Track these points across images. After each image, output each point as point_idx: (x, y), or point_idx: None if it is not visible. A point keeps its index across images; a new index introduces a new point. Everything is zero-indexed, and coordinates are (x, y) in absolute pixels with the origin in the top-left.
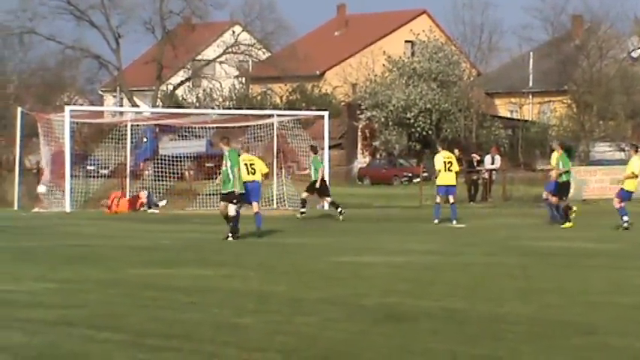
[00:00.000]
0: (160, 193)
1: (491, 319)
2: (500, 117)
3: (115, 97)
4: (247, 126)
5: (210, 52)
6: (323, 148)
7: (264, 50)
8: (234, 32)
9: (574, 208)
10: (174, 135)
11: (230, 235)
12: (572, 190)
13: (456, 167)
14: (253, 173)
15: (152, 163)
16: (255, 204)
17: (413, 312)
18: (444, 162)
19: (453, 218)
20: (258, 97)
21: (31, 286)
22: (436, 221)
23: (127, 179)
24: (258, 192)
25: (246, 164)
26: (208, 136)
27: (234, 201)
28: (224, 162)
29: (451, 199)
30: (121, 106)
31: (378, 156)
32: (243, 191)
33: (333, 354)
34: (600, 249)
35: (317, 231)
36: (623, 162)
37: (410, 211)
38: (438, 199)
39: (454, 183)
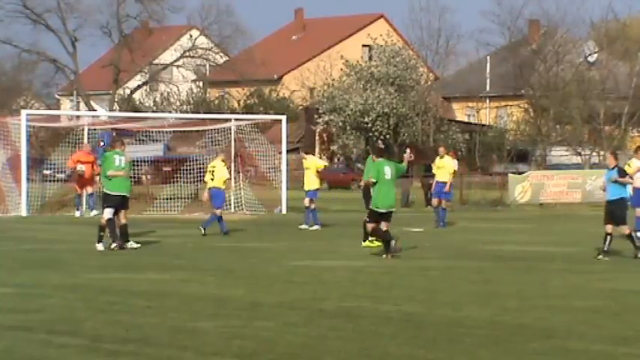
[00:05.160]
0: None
1: (450, 323)
2: (458, 121)
3: (71, 101)
4: (205, 130)
5: (167, 56)
6: (280, 152)
7: (221, 54)
8: (191, 36)
9: None
10: (132, 139)
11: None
12: (525, 194)
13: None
14: (212, 180)
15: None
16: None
17: (372, 316)
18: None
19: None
20: (216, 101)
21: None
22: (317, 227)
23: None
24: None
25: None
26: (165, 141)
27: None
28: (123, 166)
29: (307, 201)
30: (78, 110)
31: (335, 160)
32: None
33: (292, 358)
34: (559, 253)
35: (275, 235)
36: (580, 166)
37: None
38: (310, 203)
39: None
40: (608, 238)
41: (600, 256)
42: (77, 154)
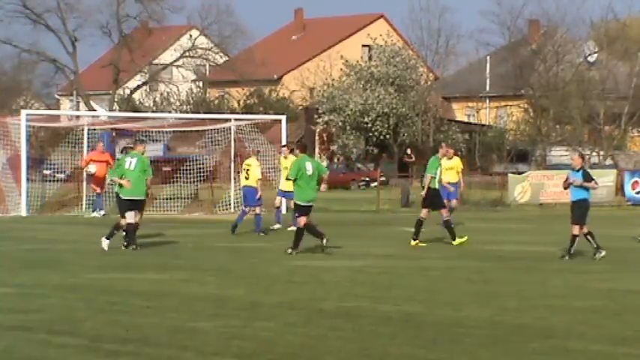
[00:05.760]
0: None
1: (450, 323)
2: (458, 121)
3: (71, 101)
4: (205, 130)
5: (167, 56)
6: (280, 152)
7: (221, 54)
8: (191, 36)
9: None
10: (132, 139)
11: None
12: (525, 194)
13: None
14: (247, 179)
15: (109, 167)
16: (248, 208)
17: (371, 316)
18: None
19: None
20: (216, 101)
21: None
22: (277, 226)
23: (84, 183)
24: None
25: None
26: (165, 141)
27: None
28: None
29: (278, 201)
30: (78, 110)
31: (335, 160)
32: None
33: (291, 358)
34: (559, 253)
35: (275, 235)
36: None
37: (368, 215)
38: (281, 203)
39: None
40: (590, 238)
41: (566, 257)
42: (91, 153)
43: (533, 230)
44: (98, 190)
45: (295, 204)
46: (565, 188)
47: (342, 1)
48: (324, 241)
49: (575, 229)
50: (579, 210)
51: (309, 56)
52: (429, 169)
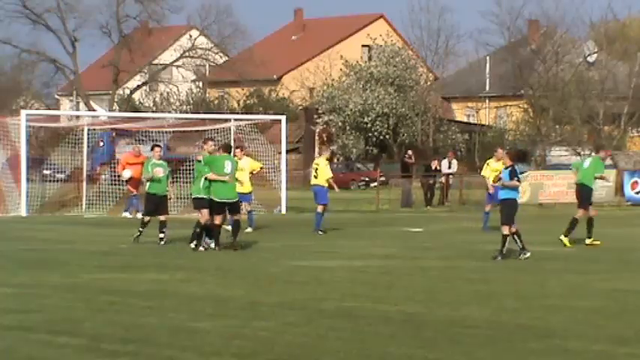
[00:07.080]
0: (117, 197)
1: (449, 322)
2: (457, 121)
3: (71, 101)
4: (204, 130)
5: (167, 56)
6: (280, 152)
7: (221, 54)
8: (191, 36)
9: None
10: (131, 139)
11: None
12: (524, 195)
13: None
14: (316, 177)
15: (109, 167)
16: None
17: (371, 316)
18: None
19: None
20: (216, 102)
21: None
22: (249, 229)
23: (84, 183)
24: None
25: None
26: (165, 141)
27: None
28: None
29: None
30: (78, 110)
31: (335, 160)
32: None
33: (291, 358)
34: (558, 253)
35: (275, 235)
36: None
37: (367, 215)
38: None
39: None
40: (517, 238)
41: (498, 258)
42: (125, 156)
43: (532, 230)
44: (135, 191)
45: (211, 200)
46: (493, 182)
47: (342, 1)
48: (213, 245)
49: (505, 229)
50: (508, 209)
51: (309, 56)
52: (598, 169)
